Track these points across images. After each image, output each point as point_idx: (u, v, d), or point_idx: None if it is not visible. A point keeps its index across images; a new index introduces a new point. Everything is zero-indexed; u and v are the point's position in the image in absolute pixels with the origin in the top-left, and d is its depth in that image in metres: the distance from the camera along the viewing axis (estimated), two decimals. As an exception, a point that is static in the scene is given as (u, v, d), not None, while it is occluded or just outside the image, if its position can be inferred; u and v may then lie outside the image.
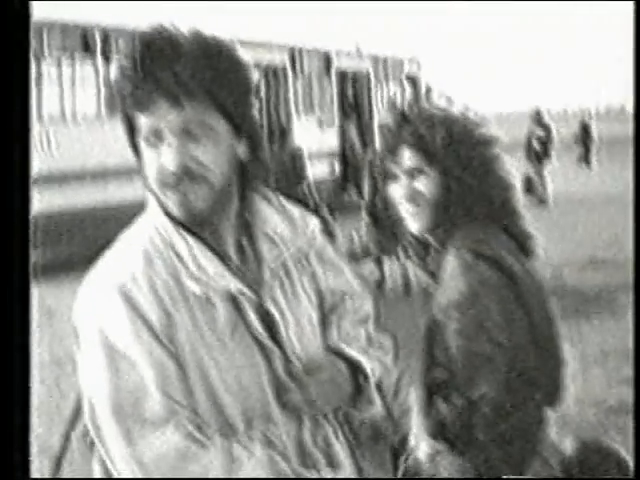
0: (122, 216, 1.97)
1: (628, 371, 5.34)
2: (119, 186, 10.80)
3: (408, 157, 1.97)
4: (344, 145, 16.49)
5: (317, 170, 12.39)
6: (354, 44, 17.55)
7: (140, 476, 1.49)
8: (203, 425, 1.53)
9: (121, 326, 1.51)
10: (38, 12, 5.07)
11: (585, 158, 25.75)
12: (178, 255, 1.57)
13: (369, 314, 1.82)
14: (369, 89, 17.61)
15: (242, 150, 1.61)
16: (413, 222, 1.99)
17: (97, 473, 1.64)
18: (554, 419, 1.96)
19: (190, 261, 1.56)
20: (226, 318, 1.56)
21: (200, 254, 1.57)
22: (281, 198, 1.77)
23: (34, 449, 1.76)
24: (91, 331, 1.54)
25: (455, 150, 1.96)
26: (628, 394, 4.83)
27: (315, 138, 14.84)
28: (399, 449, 2.12)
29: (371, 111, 17.43)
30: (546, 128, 16.74)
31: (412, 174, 1.97)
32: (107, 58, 11.51)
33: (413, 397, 1.97)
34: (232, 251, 1.63)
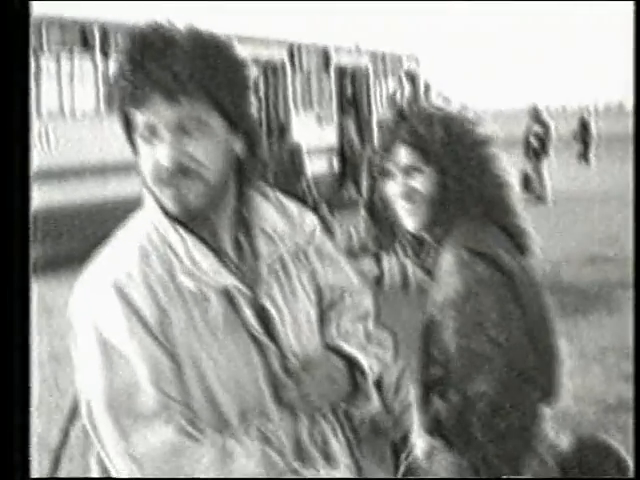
0: (121, 212, 1.97)
1: (627, 368, 5.36)
2: (118, 182, 10.76)
3: (404, 155, 1.98)
4: (342, 141, 16.47)
5: (316, 166, 12.38)
6: (353, 40, 17.51)
7: (134, 470, 1.49)
8: (197, 420, 1.53)
9: (116, 322, 1.52)
10: (37, 8, 5.06)
11: (584, 155, 25.76)
12: (174, 251, 1.57)
13: (368, 311, 1.82)
14: (368, 85, 17.57)
15: (239, 146, 1.61)
16: (409, 219, 2.00)
17: (94, 470, 1.64)
18: (551, 416, 1.97)
19: (185, 257, 1.57)
20: (221, 314, 1.56)
21: (195, 250, 1.57)
22: (279, 194, 1.77)
23: (33, 446, 1.76)
24: (86, 326, 1.54)
25: (453, 149, 1.96)
26: (627, 391, 4.84)
27: (314, 134, 14.82)
28: (400, 446, 2.12)
29: (370, 107, 17.39)
30: (544, 125, 16.72)
31: (408, 172, 1.98)
32: (106, 54, 11.48)
33: (414, 394, 1.97)
34: (229, 247, 1.64)
